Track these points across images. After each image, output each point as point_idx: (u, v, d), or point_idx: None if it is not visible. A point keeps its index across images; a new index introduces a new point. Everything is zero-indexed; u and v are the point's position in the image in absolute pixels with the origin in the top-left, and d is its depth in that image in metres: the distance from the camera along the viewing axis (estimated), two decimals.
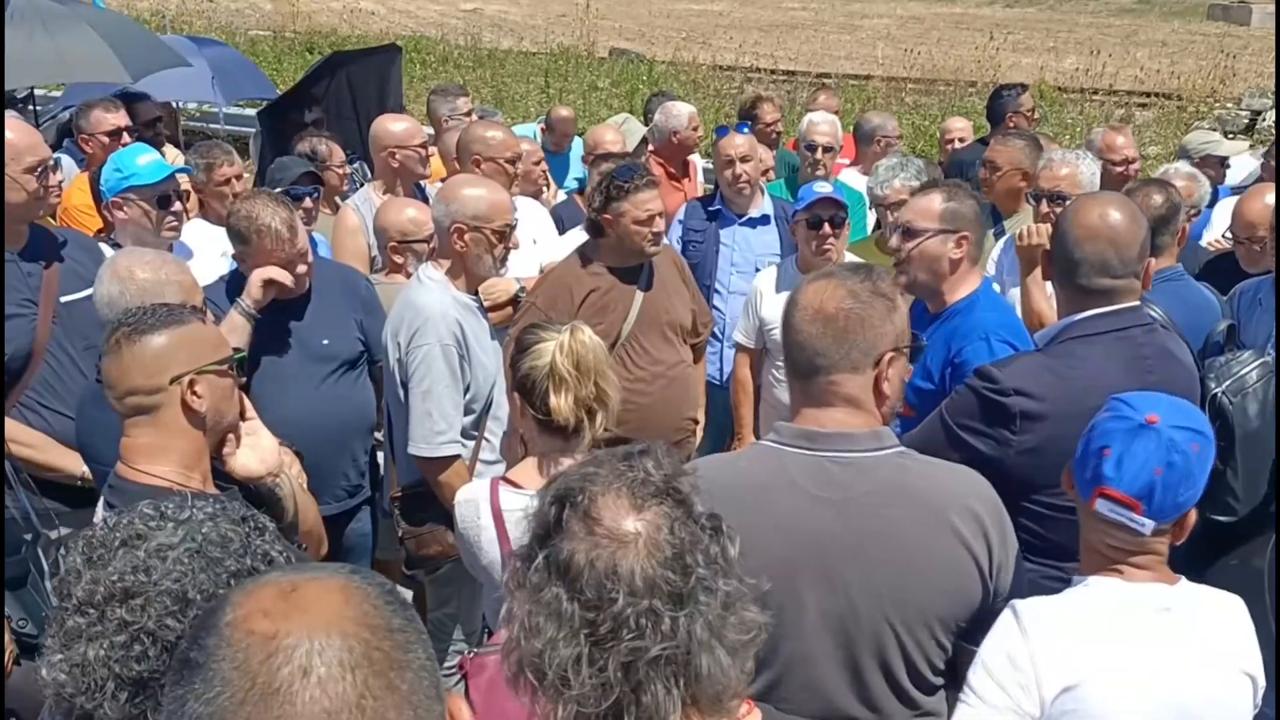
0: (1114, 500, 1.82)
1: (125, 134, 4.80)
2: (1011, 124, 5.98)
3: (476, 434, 3.30)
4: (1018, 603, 1.85)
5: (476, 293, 3.36)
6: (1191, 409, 1.93)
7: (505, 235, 3.27)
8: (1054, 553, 2.44)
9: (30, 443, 3.09)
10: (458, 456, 3.21)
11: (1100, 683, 1.77)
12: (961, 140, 6.20)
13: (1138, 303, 2.56)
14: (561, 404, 2.44)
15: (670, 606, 1.21)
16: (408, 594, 3.69)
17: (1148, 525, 1.83)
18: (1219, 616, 1.89)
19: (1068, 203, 2.67)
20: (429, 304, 3.19)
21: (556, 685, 1.21)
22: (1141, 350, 2.50)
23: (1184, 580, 1.92)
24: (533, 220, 4.57)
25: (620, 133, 5.42)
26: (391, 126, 4.72)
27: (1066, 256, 2.50)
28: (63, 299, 3.22)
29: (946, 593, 1.89)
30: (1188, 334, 3.17)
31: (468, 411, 3.25)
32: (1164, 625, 1.84)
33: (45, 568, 2.53)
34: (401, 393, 3.20)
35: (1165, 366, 2.52)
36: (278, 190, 3.82)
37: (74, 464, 3.02)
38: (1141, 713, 1.79)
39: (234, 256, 3.38)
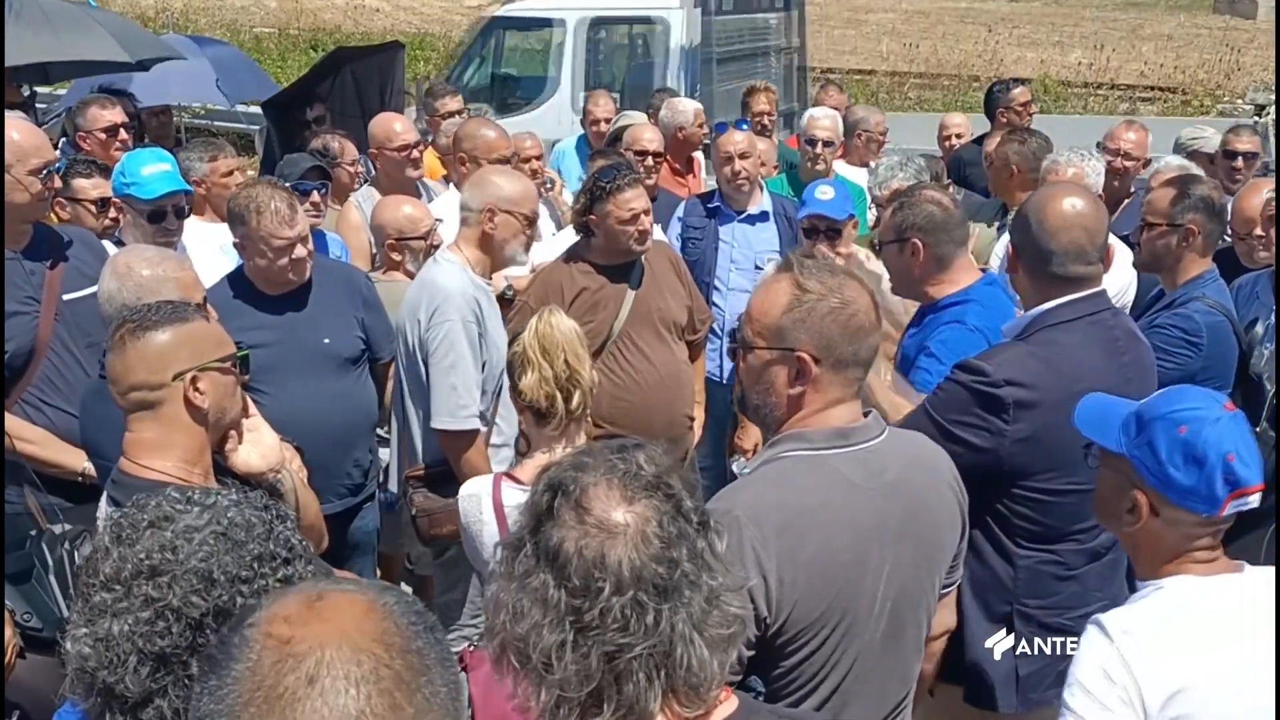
0: (1248, 495, 1.80)
1: (122, 130, 4.81)
2: (1003, 119, 5.98)
3: (490, 416, 3.34)
4: (1101, 618, 1.83)
5: (490, 278, 3.45)
6: (1207, 390, 1.98)
7: (532, 223, 3.40)
8: (1047, 537, 2.49)
9: (33, 439, 3.11)
10: (479, 431, 3.27)
11: (1206, 686, 1.75)
12: (959, 136, 6.21)
13: (1102, 287, 2.61)
14: (529, 383, 2.51)
15: (655, 599, 1.23)
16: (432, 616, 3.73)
17: (1258, 499, 1.83)
18: None
19: (1028, 197, 2.73)
20: (448, 282, 3.25)
21: (539, 670, 1.23)
22: (1113, 333, 2.56)
23: (1245, 565, 1.89)
24: None
25: (657, 131, 5.42)
26: (374, 129, 4.78)
27: (1040, 248, 2.54)
28: (65, 296, 3.23)
29: (949, 546, 2.02)
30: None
31: (482, 391, 3.31)
32: (1251, 616, 1.80)
33: (49, 562, 2.56)
34: (423, 370, 3.25)
35: (1133, 347, 2.60)
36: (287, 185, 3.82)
37: (75, 460, 3.05)
38: (1252, 707, 1.75)
39: (235, 245, 3.39)
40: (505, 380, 3.29)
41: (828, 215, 3.97)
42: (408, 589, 3.74)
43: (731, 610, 1.29)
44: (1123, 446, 1.86)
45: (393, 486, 3.59)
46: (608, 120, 6.19)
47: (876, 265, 3.98)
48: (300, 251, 3.28)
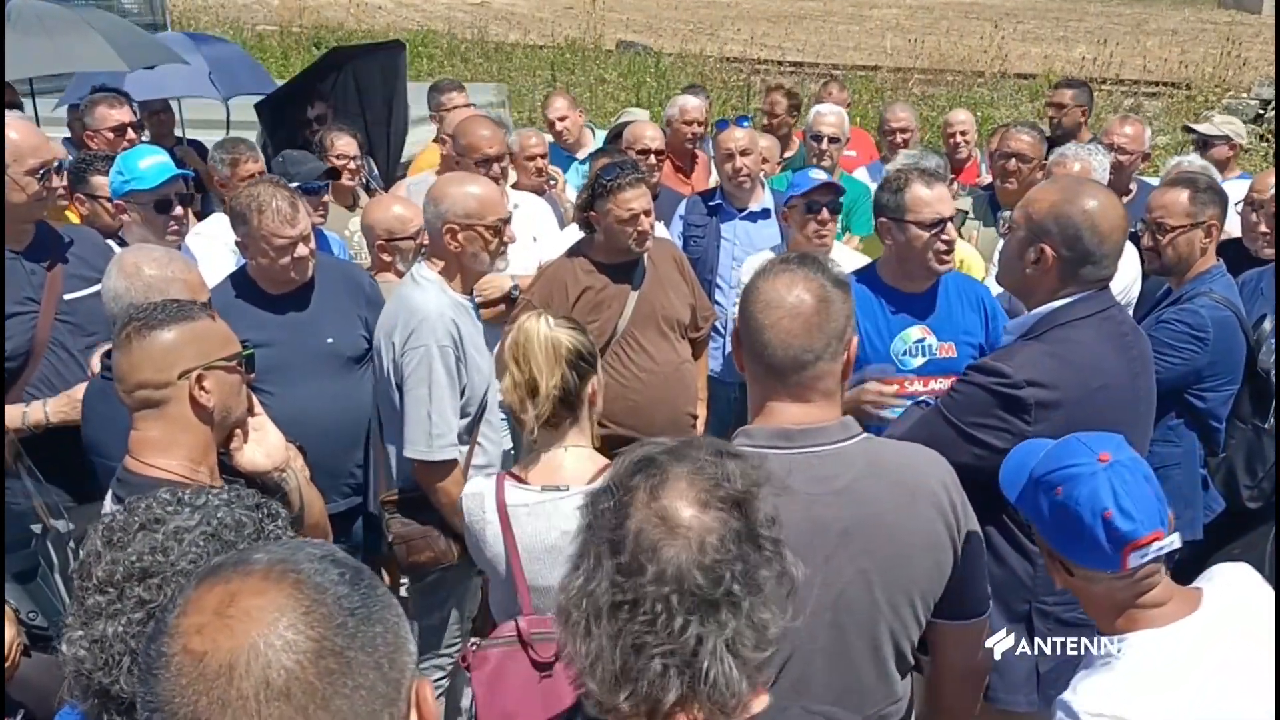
0: (1144, 545, 1.75)
1: (130, 129, 4.82)
2: (1047, 117, 6.01)
3: (470, 438, 3.24)
4: (1069, 700, 1.78)
5: (472, 292, 3.36)
6: (1097, 437, 1.88)
7: (499, 230, 3.23)
8: None
9: None
10: (455, 461, 3.15)
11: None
12: (964, 134, 6.15)
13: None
14: (505, 385, 2.53)
15: (686, 608, 1.22)
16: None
17: (1176, 539, 1.79)
18: (1250, 605, 1.83)
19: (1066, 194, 2.58)
20: (425, 304, 3.12)
21: (581, 630, 1.24)
22: (1121, 328, 2.55)
23: (1201, 593, 1.85)
24: (534, 217, 4.58)
25: (658, 130, 5.39)
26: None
27: (1090, 251, 2.48)
28: (67, 296, 3.24)
29: (926, 568, 1.90)
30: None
31: (462, 415, 3.19)
32: (1214, 654, 1.76)
33: (55, 561, 2.57)
34: (396, 395, 3.14)
35: (1138, 341, 2.59)
36: (293, 185, 3.82)
37: (13, 415, 3.04)
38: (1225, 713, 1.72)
39: (237, 243, 3.39)
40: (489, 400, 3.24)
41: (833, 182, 3.99)
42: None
43: (772, 634, 1.27)
44: (1012, 497, 1.87)
45: (370, 506, 3.47)
46: (562, 119, 6.16)
47: (850, 263, 4.00)
48: (302, 250, 3.27)
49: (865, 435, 1.93)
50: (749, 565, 1.25)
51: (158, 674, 0.95)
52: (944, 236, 3.17)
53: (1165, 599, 1.82)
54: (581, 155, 5.94)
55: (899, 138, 5.85)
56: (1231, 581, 1.87)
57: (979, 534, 1.98)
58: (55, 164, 3.27)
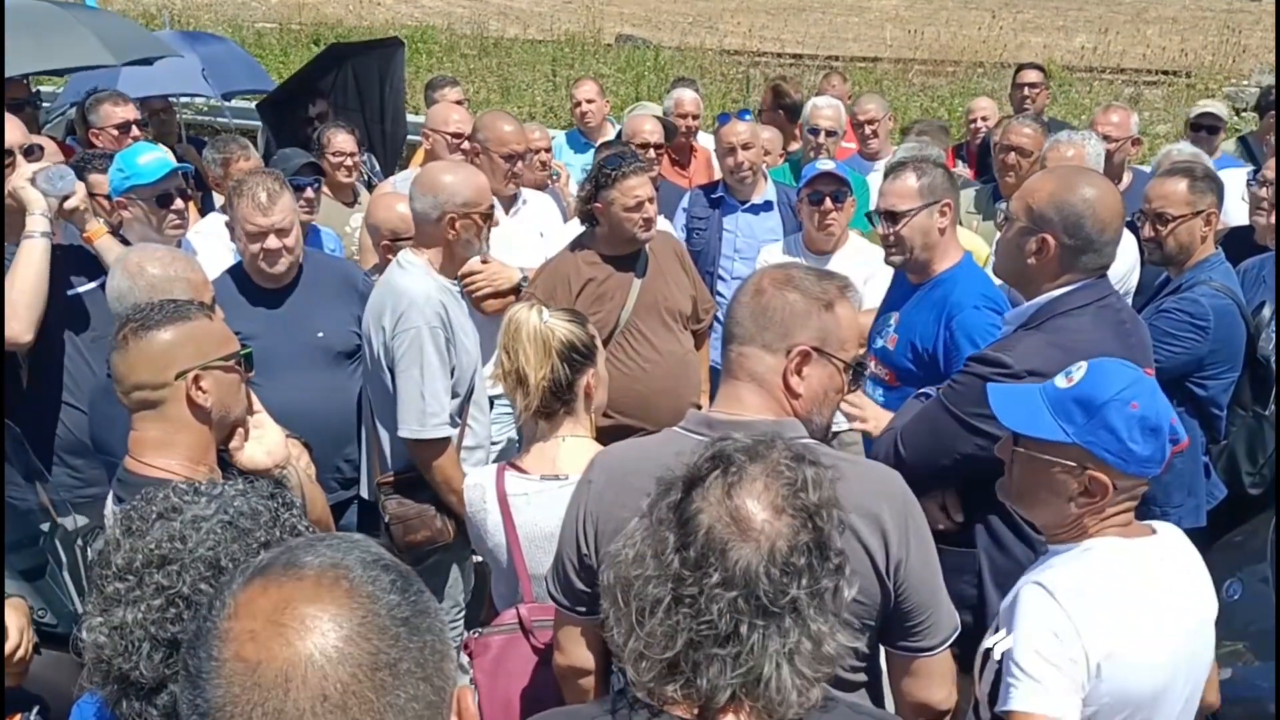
0: (1181, 450, 1.91)
1: (134, 127, 4.84)
2: (1012, 101, 6.06)
3: (460, 420, 3.29)
4: (1041, 579, 1.88)
5: (457, 277, 3.39)
6: (1118, 361, 2.03)
7: (489, 216, 3.30)
8: None
9: None
10: (449, 439, 3.19)
11: (1134, 645, 1.83)
12: (985, 119, 6.20)
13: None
14: (498, 372, 2.57)
15: (752, 613, 1.22)
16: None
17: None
18: (1192, 556, 2.01)
19: (1064, 183, 2.57)
20: (412, 287, 3.15)
21: (634, 616, 1.24)
22: (1120, 316, 2.56)
23: (1157, 526, 2.01)
24: (540, 213, 4.59)
25: (657, 123, 5.39)
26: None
27: (1092, 239, 2.48)
28: (70, 291, 3.25)
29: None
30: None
31: (452, 395, 3.23)
32: (1166, 576, 1.93)
33: (63, 559, 2.58)
34: (388, 378, 3.16)
35: (1137, 329, 2.61)
36: None
37: None
38: (1168, 665, 1.87)
39: (226, 224, 3.42)
40: (477, 383, 3.29)
41: (835, 172, 4.04)
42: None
43: (828, 652, 1.26)
44: (1071, 435, 1.90)
45: (364, 492, 3.49)
46: (589, 101, 6.17)
47: (866, 255, 4.03)
48: (274, 243, 3.28)
49: (807, 442, 1.83)
50: (814, 576, 1.25)
51: (208, 679, 0.93)
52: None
53: (1132, 520, 1.97)
54: (599, 143, 5.97)
55: (867, 129, 5.83)
56: (1184, 542, 2.03)
57: (928, 563, 1.87)
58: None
